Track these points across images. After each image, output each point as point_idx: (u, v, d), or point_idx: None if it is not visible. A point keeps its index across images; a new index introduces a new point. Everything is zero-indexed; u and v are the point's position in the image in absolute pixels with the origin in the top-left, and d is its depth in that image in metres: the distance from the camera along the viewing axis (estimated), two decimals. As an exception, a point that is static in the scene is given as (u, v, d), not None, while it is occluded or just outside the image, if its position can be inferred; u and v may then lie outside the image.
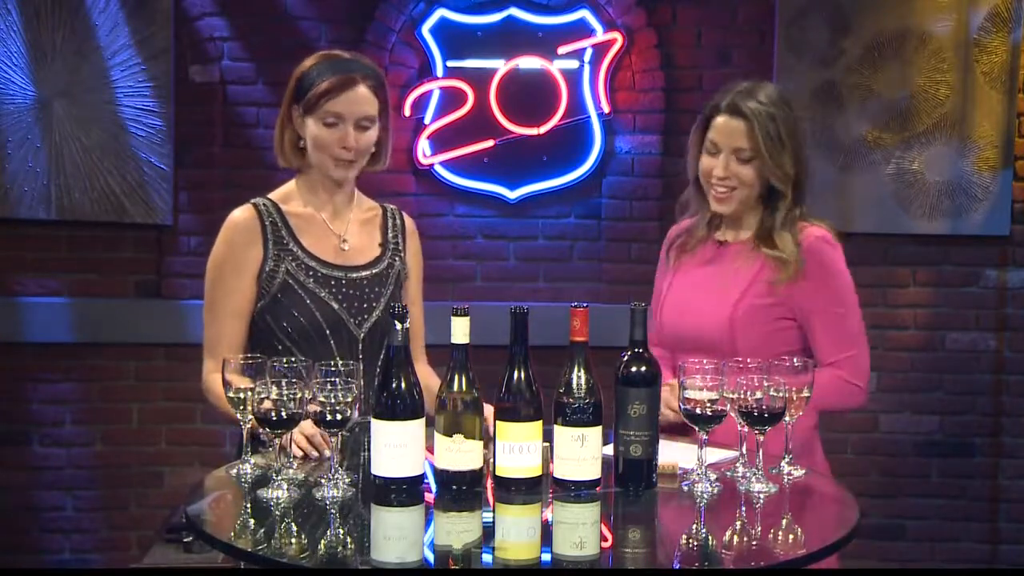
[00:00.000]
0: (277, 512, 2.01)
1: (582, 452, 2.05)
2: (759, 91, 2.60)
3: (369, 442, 2.07)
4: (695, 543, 1.97)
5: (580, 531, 2.01)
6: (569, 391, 2.07)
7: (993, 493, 4.49)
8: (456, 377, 2.06)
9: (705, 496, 2.10)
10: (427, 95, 4.33)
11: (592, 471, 2.07)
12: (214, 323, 2.56)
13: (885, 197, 4.37)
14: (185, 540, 3.73)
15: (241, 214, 2.59)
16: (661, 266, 2.82)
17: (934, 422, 4.50)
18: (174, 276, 4.37)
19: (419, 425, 2.04)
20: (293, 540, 1.92)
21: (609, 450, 2.16)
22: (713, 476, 2.15)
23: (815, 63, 4.34)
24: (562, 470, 2.07)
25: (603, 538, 2.00)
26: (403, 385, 2.04)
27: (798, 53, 4.34)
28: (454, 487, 2.04)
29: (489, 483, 2.10)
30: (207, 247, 2.63)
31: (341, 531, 1.96)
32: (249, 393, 2.10)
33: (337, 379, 2.04)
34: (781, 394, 2.13)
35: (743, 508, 2.09)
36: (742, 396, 2.12)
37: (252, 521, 2.01)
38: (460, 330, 2.06)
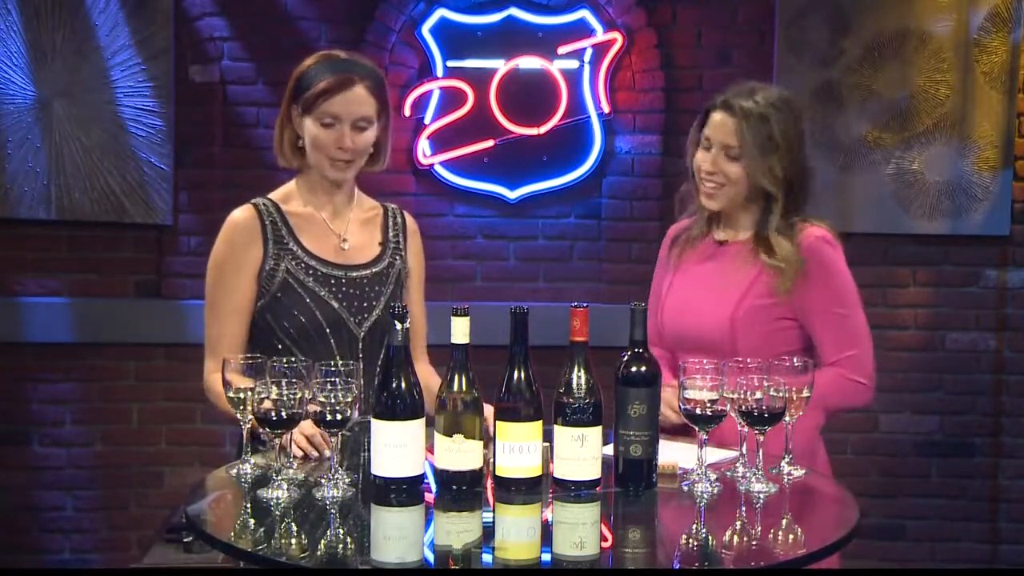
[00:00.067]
0: (277, 512, 2.01)
1: (582, 452, 2.05)
2: (759, 92, 2.60)
3: (369, 442, 2.07)
4: (695, 543, 1.97)
5: (580, 531, 2.01)
6: (569, 391, 2.07)
7: (993, 493, 4.49)
8: (456, 377, 2.06)
9: (705, 496, 2.10)
10: (427, 95, 4.33)
11: (592, 471, 2.07)
12: (215, 322, 2.56)
13: (885, 197, 4.37)
14: (185, 540, 3.73)
15: (241, 214, 2.59)
16: (660, 264, 2.82)
17: (934, 422, 4.50)
18: (174, 276, 4.37)
19: (419, 425, 2.04)
20: (293, 540, 1.92)
21: (609, 450, 2.16)
22: (713, 476, 2.15)
23: (815, 63, 4.34)
24: (562, 470, 2.07)
25: (603, 538, 2.00)
26: (403, 385, 2.04)
27: (798, 53, 4.34)
28: (454, 487, 2.04)
29: (489, 483, 2.10)
30: (207, 247, 2.63)
31: (341, 531, 1.96)
32: (249, 393, 2.10)
33: (337, 379, 2.04)
34: (781, 394, 2.14)
35: (743, 508, 2.09)
36: (742, 396, 2.12)
37: (252, 521, 2.01)
38: (460, 330, 2.06)
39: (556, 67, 4.33)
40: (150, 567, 3.74)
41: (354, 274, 2.61)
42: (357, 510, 2.04)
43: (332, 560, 1.83)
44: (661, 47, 4.37)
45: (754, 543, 1.95)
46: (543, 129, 4.33)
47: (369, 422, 2.08)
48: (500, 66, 4.33)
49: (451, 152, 4.35)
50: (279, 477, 2.08)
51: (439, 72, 4.34)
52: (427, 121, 4.34)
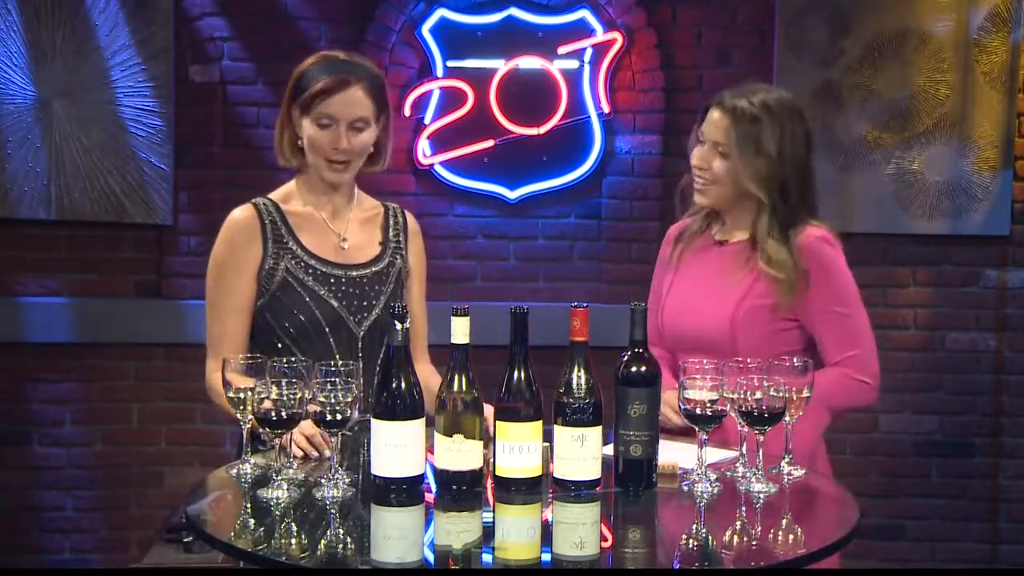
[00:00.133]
0: (277, 512, 2.01)
1: (582, 452, 2.05)
2: (758, 93, 2.59)
3: (369, 442, 2.07)
4: (695, 543, 1.97)
5: (580, 531, 2.01)
6: (569, 391, 2.07)
7: (993, 493, 4.49)
8: (456, 377, 2.06)
9: (705, 496, 2.10)
10: (427, 95, 4.33)
11: (592, 471, 2.07)
12: (216, 322, 2.57)
13: (885, 197, 4.37)
14: (185, 540, 3.73)
15: (241, 213, 2.60)
16: (661, 263, 2.81)
17: (934, 422, 4.50)
18: (174, 276, 4.37)
19: (419, 425, 2.04)
20: (293, 540, 1.92)
21: (609, 450, 2.16)
22: (713, 476, 2.15)
23: (815, 63, 4.34)
24: (562, 470, 2.07)
25: (603, 538, 2.00)
26: (403, 385, 2.04)
27: (798, 53, 4.34)
28: (454, 487, 2.04)
29: (489, 483, 2.10)
30: (207, 247, 2.63)
31: (341, 531, 1.96)
32: (249, 393, 2.10)
33: (337, 379, 2.04)
34: (781, 394, 2.14)
35: (743, 508, 2.09)
36: (742, 396, 2.12)
37: (252, 521, 2.01)
38: (460, 330, 2.06)
39: (556, 67, 4.33)
40: (150, 567, 3.74)
41: (354, 273, 2.61)
42: (357, 510, 2.04)
43: (332, 560, 1.83)
44: (661, 47, 4.37)
45: (754, 543, 1.95)
46: (543, 129, 4.33)
47: (368, 420, 2.08)
48: (500, 66, 4.33)
49: (451, 152, 4.35)
50: (279, 477, 2.08)
51: (439, 72, 4.34)
52: (427, 121, 4.34)
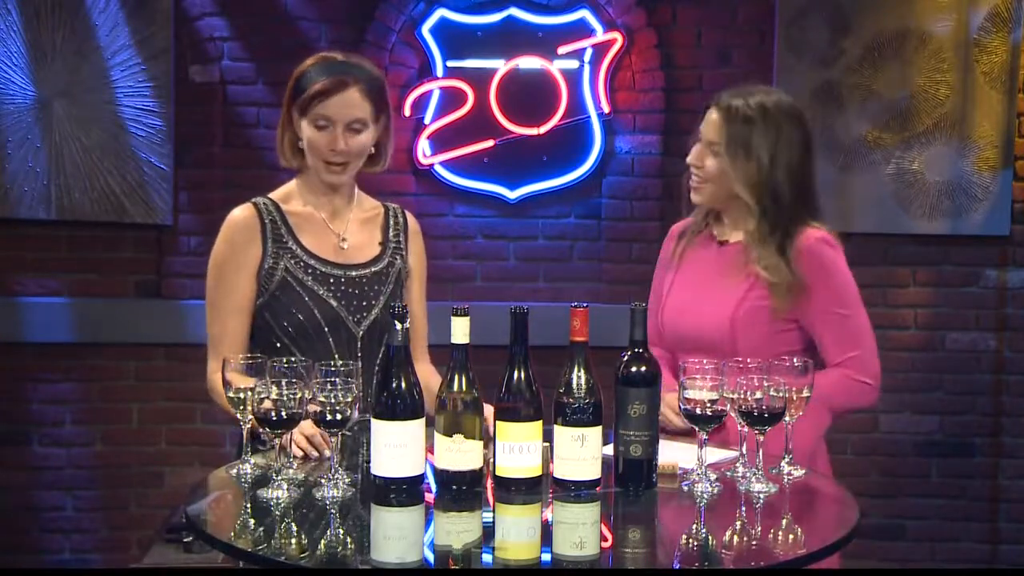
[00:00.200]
0: (277, 512, 2.01)
1: (582, 452, 2.05)
2: (756, 94, 2.58)
3: (369, 442, 2.07)
4: (695, 543, 1.97)
5: (580, 531, 2.01)
6: (569, 391, 2.07)
7: (993, 493, 4.49)
8: (456, 377, 2.06)
9: (705, 496, 2.10)
10: (427, 95, 4.33)
11: (592, 471, 2.07)
12: (216, 321, 2.57)
13: (885, 197, 4.37)
14: (185, 540, 3.73)
15: (240, 213, 2.60)
16: (662, 261, 2.81)
17: (934, 422, 4.50)
18: (174, 276, 4.37)
19: (419, 425, 2.04)
20: (293, 540, 1.92)
21: (609, 450, 2.16)
22: (713, 476, 2.15)
23: (815, 63, 4.34)
24: (562, 470, 2.07)
25: (603, 538, 2.00)
26: (403, 385, 2.04)
27: (798, 53, 4.34)
28: (454, 487, 2.04)
29: (489, 483, 2.10)
30: (207, 247, 2.63)
31: (341, 531, 1.96)
32: (249, 393, 2.10)
33: (337, 379, 2.04)
34: (781, 394, 2.14)
35: (743, 508, 2.09)
36: (742, 396, 2.12)
37: (252, 521, 2.01)
38: (460, 330, 2.06)
39: (556, 67, 4.33)
40: (150, 567, 3.74)
41: (353, 273, 2.61)
42: (357, 510, 2.04)
43: (332, 560, 1.83)
44: (661, 47, 4.37)
45: (754, 543, 1.95)
46: (543, 129, 4.33)
47: (367, 420, 2.08)
48: (500, 66, 4.33)
49: (451, 152, 4.35)
50: (279, 477, 2.08)
51: (439, 72, 4.34)
52: (427, 121, 4.34)
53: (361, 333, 2.59)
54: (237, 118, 4.37)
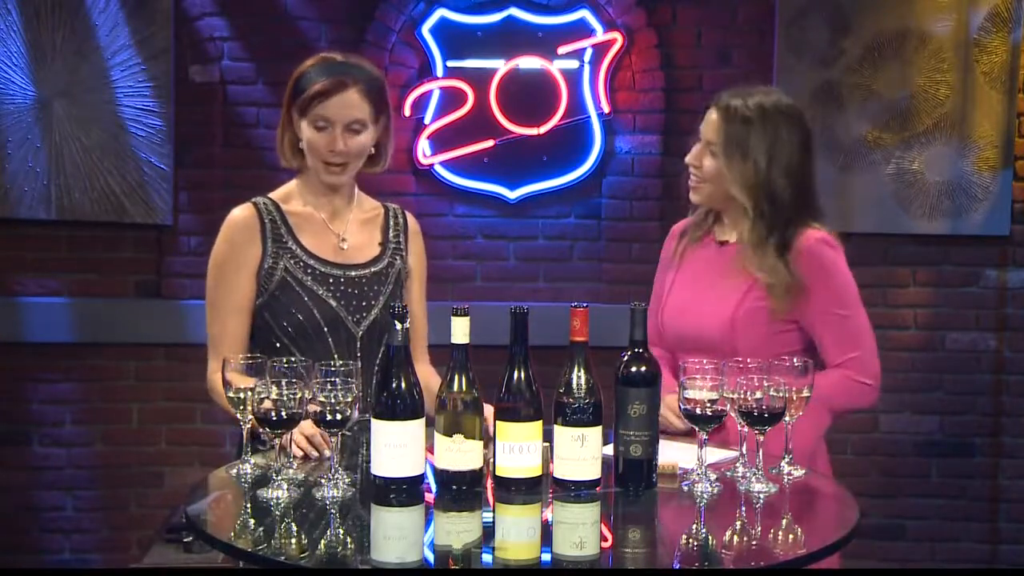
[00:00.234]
0: (277, 512, 2.01)
1: (582, 452, 2.05)
2: (755, 95, 2.58)
3: (369, 442, 2.07)
4: (695, 543, 1.97)
5: (580, 531, 2.01)
6: (569, 391, 2.07)
7: (993, 493, 4.49)
8: (456, 377, 2.06)
9: (705, 496, 2.10)
10: (427, 95, 4.33)
11: (592, 471, 2.07)
12: (217, 321, 2.57)
13: (885, 197, 4.37)
14: (185, 540, 3.73)
15: (241, 212, 2.60)
16: (664, 260, 2.81)
17: (934, 422, 4.50)
18: (174, 276, 4.37)
19: (419, 425, 2.04)
20: (293, 540, 1.92)
21: (609, 450, 2.16)
22: (713, 476, 2.15)
23: (815, 63, 4.34)
24: (562, 470, 2.07)
25: (603, 538, 2.00)
26: (403, 385, 2.04)
27: (798, 53, 4.34)
28: (454, 487, 2.04)
29: (489, 483, 2.10)
30: (207, 247, 2.64)
31: (341, 531, 1.96)
32: (249, 393, 2.10)
33: (337, 379, 2.04)
34: (781, 394, 2.14)
35: (743, 508, 2.09)
36: (742, 396, 2.12)
37: (252, 521, 2.01)
38: (460, 330, 2.06)
39: (556, 67, 4.33)
40: (150, 567, 3.74)
41: (352, 273, 2.61)
42: (357, 510, 2.04)
43: (332, 560, 1.83)
44: (661, 47, 4.37)
45: (754, 543, 1.95)
46: (543, 129, 4.33)
47: (367, 420, 2.08)
48: (500, 66, 4.33)
49: (451, 152, 4.35)
50: (279, 477, 2.08)
51: (439, 72, 4.34)
52: (427, 121, 4.34)
53: (360, 333, 2.59)
54: (237, 118, 4.37)
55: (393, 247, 2.69)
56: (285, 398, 2.05)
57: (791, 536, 2.00)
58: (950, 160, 4.35)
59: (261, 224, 2.58)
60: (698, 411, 2.12)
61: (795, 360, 2.21)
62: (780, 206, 2.55)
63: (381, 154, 2.66)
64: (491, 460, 2.10)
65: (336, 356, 2.53)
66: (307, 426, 2.22)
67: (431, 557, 1.87)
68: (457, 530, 1.98)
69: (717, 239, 2.69)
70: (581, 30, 4.34)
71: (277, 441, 2.11)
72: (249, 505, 2.07)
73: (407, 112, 4.30)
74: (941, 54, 4.33)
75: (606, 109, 4.35)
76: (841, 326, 2.55)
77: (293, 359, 2.14)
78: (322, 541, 1.90)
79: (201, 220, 4.28)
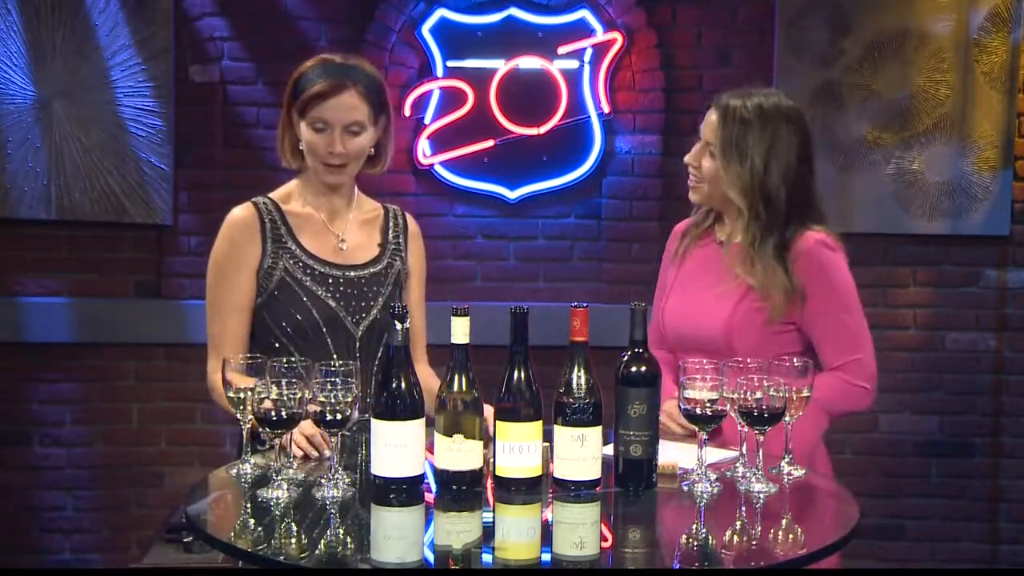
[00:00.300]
0: (277, 512, 2.01)
1: (582, 452, 2.05)
2: (755, 97, 2.57)
3: (369, 442, 2.07)
4: (695, 543, 1.97)
5: (580, 531, 2.01)
6: (569, 391, 2.07)
7: (993, 493, 4.49)
8: (456, 377, 2.06)
9: (705, 496, 2.10)
10: (427, 95, 4.33)
11: (592, 471, 2.07)
12: (217, 321, 2.57)
13: (885, 197, 4.37)
14: (185, 540, 3.74)
15: (240, 212, 2.60)
16: (666, 258, 2.81)
17: (934, 422, 4.50)
18: (174, 276, 4.37)
19: (419, 425, 2.04)
20: (293, 540, 1.92)
21: (609, 450, 2.16)
22: (713, 476, 2.15)
23: (815, 63, 4.34)
24: (562, 470, 2.07)
25: (603, 538, 2.00)
26: (403, 385, 2.04)
27: (798, 53, 4.34)
28: (454, 487, 2.04)
29: (489, 483, 2.11)
30: (207, 247, 2.64)
31: (341, 531, 1.96)
32: (249, 393, 2.10)
33: (337, 379, 2.04)
34: (781, 394, 2.14)
35: (743, 508, 2.09)
36: (742, 396, 2.12)
37: (252, 521, 2.01)
38: (460, 330, 2.06)
39: (556, 67, 4.33)
40: (150, 567, 3.74)
41: (352, 274, 2.61)
42: (357, 510, 2.04)
43: (332, 560, 1.83)
44: (661, 47, 4.37)
45: (754, 543, 1.95)
46: (543, 129, 4.33)
47: (366, 420, 2.08)
48: (500, 66, 4.33)
49: (451, 152, 4.35)
50: (279, 477, 2.08)
51: (439, 72, 4.34)
52: (427, 121, 4.34)
53: (360, 334, 2.59)
54: (237, 118, 4.37)
55: (392, 248, 2.70)
56: (285, 398, 2.05)
57: (791, 536, 2.00)
58: (950, 160, 4.35)
59: (261, 224, 2.58)
60: (698, 411, 2.13)
61: (795, 360, 2.21)
62: (776, 208, 2.54)
63: (381, 155, 2.67)
64: (491, 460, 2.10)
65: (335, 356, 2.53)
66: (307, 426, 2.22)
67: (431, 557, 1.87)
68: (457, 530, 1.99)
69: (717, 239, 2.69)
70: (581, 30, 4.34)
71: (277, 441, 2.11)
72: (249, 505, 2.07)
73: (407, 112, 4.30)
74: (941, 54, 4.33)
75: (606, 109, 4.34)
76: (840, 328, 2.55)
77: (293, 359, 2.14)
78: (322, 541, 1.90)
79: (201, 220, 4.28)
